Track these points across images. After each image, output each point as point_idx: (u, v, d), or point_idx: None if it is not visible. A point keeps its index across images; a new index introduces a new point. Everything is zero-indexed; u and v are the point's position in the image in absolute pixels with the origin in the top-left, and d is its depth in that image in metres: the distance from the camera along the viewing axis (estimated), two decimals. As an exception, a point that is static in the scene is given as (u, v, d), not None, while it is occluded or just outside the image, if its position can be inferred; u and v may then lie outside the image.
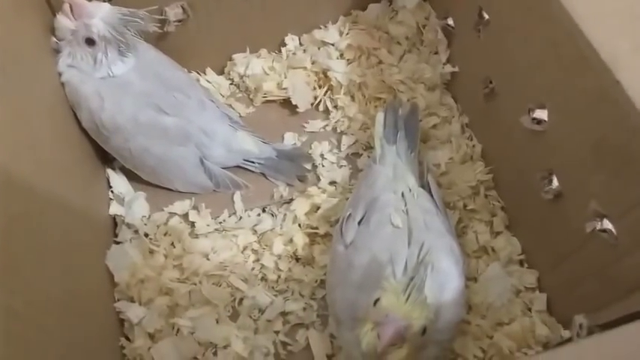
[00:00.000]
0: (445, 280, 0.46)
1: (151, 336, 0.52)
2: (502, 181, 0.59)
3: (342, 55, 0.68)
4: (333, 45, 0.68)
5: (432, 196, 0.53)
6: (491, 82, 0.56)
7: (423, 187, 0.54)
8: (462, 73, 0.63)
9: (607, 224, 0.42)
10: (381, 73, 0.66)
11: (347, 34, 0.68)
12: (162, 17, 0.58)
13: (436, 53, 0.66)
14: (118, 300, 0.53)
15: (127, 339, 0.52)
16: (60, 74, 0.53)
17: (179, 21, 0.60)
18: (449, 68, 0.64)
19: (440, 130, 0.63)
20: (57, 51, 0.53)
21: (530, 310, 0.53)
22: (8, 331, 0.32)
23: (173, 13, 0.59)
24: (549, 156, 0.49)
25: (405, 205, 0.50)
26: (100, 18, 0.51)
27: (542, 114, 0.48)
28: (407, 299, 0.40)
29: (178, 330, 0.52)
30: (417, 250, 0.43)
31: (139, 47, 0.55)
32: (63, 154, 0.51)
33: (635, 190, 0.40)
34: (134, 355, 0.51)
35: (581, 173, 0.45)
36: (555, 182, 0.48)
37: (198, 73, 0.68)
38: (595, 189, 0.44)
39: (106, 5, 0.51)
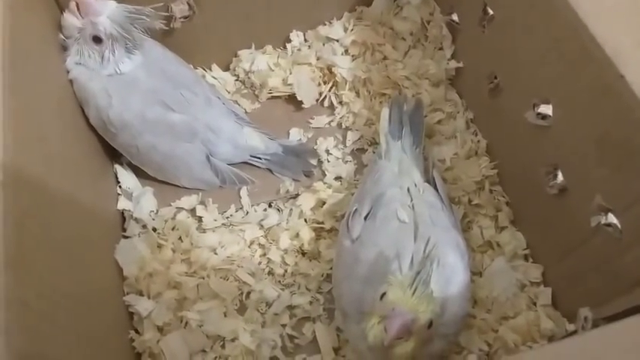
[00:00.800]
0: (451, 275, 0.46)
1: (160, 329, 0.53)
2: (507, 176, 0.59)
3: (346, 51, 0.68)
4: (337, 41, 0.68)
5: (437, 191, 0.53)
6: (495, 78, 0.56)
7: (428, 182, 0.54)
8: (466, 68, 0.63)
9: (612, 218, 0.43)
10: (386, 68, 0.66)
11: (352, 30, 0.68)
12: (168, 14, 0.59)
13: (441, 49, 0.66)
14: (127, 293, 0.54)
15: (137, 332, 0.53)
16: (68, 71, 0.53)
17: (185, 17, 0.60)
18: (453, 64, 0.64)
19: (445, 126, 0.64)
20: (64, 48, 0.53)
21: (535, 304, 0.53)
22: (20, 323, 0.33)
23: (179, 9, 0.60)
24: (554, 151, 0.49)
25: (411, 200, 0.51)
26: (107, 16, 0.51)
27: (546, 109, 0.48)
28: (413, 293, 0.40)
29: (187, 323, 0.53)
30: (423, 245, 0.43)
31: (145, 44, 0.55)
32: (72, 149, 0.51)
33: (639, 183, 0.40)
34: (143, 348, 0.52)
35: (586, 168, 0.45)
36: (560, 177, 0.48)
37: (203, 69, 0.68)
38: (599, 183, 0.44)
39: (113, 3, 0.51)
